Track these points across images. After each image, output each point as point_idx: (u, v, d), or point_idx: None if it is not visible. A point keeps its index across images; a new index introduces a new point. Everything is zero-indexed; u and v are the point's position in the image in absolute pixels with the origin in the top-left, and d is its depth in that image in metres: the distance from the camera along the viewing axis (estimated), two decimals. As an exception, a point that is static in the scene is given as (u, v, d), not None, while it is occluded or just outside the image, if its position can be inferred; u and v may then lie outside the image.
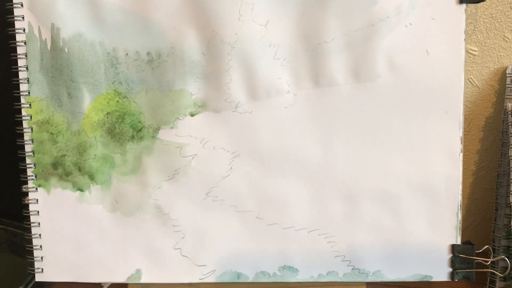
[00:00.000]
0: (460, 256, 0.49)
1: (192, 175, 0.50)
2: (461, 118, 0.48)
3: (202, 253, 0.51)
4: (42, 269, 0.51)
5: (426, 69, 0.47)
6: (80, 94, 0.49)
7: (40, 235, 0.51)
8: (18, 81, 0.49)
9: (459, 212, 0.49)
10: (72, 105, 0.49)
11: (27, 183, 0.50)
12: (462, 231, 0.50)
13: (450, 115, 0.48)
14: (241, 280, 0.51)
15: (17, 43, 0.48)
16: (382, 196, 0.49)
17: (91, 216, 0.51)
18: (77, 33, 0.48)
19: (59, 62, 0.48)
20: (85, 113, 0.49)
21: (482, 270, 0.51)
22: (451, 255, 0.50)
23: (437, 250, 0.50)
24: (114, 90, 0.49)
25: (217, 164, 0.49)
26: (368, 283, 0.52)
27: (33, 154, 0.50)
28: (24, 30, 0.48)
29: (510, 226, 0.54)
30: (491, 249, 0.54)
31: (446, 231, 0.49)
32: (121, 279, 0.51)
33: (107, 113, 0.49)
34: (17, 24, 0.48)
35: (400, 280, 0.50)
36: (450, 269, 0.50)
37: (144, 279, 0.51)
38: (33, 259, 0.51)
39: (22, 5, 0.47)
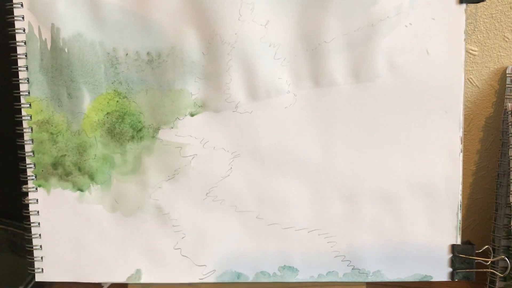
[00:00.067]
0: (460, 256, 0.49)
1: (192, 175, 0.50)
2: (461, 118, 0.48)
3: (202, 253, 0.51)
4: (42, 269, 0.51)
5: (426, 69, 0.47)
6: (80, 94, 0.49)
7: (40, 235, 0.51)
8: (18, 81, 0.49)
9: (459, 212, 0.49)
10: (72, 105, 0.49)
11: (27, 183, 0.50)
12: (462, 231, 0.50)
13: (450, 115, 0.48)
14: (241, 280, 0.51)
15: (17, 43, 0.48)
16: (382, 196, 0.49)
17: (91, 216, 0.51)
18: (77, 33, 0.48)
19: (59, 62, 0.48)
20: (85, 113, 0.49)
21: (482, 270, 0.51)
22: (451, 255, 0.50)
23: (437, 250, 0.50)
24: (114, 90, 0.49)
25: (217, 164, 0.49)
26: (368, 283, 0.52)
27: (33, 154, 0.50)
28: (24, 30, 0.48)
29: (510, 226, 0.54)
30: (491, 249, 0.54)
31: (446, 231, 0.49)
32: (121, 279, 0.51)
33: (107, 113, 0.49)
34: (17, 24, 0.48)
35: (400, 280, 0.50)
36: (450, 269, 0.50)
37: (144, 279, 0.51)
38: (33, 259, 0.51)
39: (22, 5, 0.47)
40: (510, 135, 0.53)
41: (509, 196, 0.53)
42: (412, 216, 0.49)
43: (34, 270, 0.52)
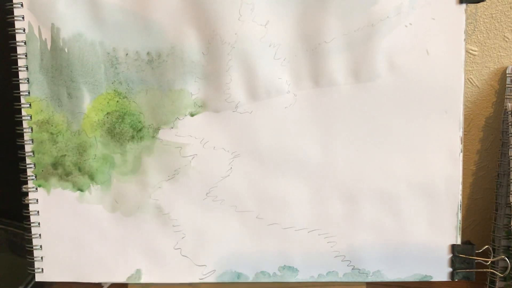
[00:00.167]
0: (460, 256, 0.49)
1: (192, 175, 0.50)
2: (461, 118, 0.48)
3: (202, 253, 0.51)
4: (42, 269, 0.51)
5: (426, 69, 0.47)
6: (80, 94, 0.49)
7: (40, 235, 0.51)
8: (18, 81, 0.49)
9: (459, 212, 0.49)
10: (72, 105, 0.49)
11: (27, 183, 0.50)
12: (462, 231, 0.50)
13: (450, 115, 0.48)
14: (241, 280, 0.51)
15: (17, 43, 0.48)
16: (382, 196, 0.49)
17: (91, 216, 0.51)
18: (77, 33, 0.48)
19: (59, 62, 0.48)
20: (85, 113, 0.49)
21: (482, 270, 0.51)
22: (451, 255, 0.50)
23: (437, 250, 0.50)
24: (114, 90, 0.49)
25: (217, 164, 0.49)
26: (368, 283, 0.52)
27: (33, 154, 0.50)
28: (24, 30, 0.48)
29: (510, 226, 0.54)
30: (491, 249, 0.54)
31: (446, 231, 0.49)
32: (121, 279, 0.51)
33: (107, 113, 0.49)
34: (17, 24, 0.48)
35: (400, 280, 0.50)
36: (450, 269, 0.50)
37: (144, 279, 0.51)
38: (33, 259, 0.51)
39: (22, 5, 0.47)
40: (510, 135, 0.53)
41: (509, 196, 0.53)
42: (412, 216, 0.49)
43: (34, 270, 0.52)
